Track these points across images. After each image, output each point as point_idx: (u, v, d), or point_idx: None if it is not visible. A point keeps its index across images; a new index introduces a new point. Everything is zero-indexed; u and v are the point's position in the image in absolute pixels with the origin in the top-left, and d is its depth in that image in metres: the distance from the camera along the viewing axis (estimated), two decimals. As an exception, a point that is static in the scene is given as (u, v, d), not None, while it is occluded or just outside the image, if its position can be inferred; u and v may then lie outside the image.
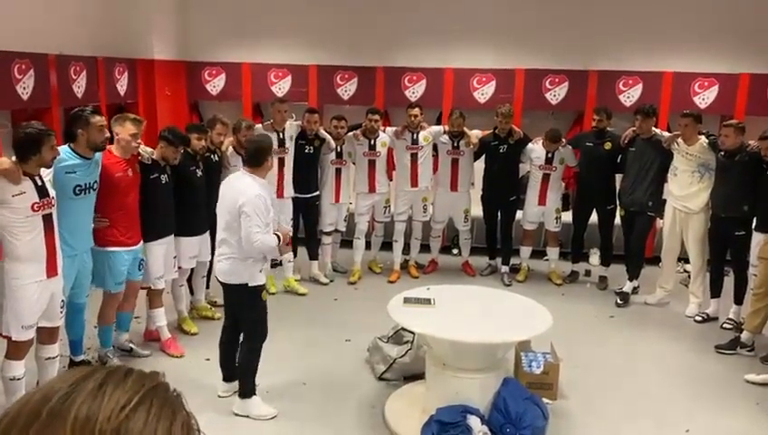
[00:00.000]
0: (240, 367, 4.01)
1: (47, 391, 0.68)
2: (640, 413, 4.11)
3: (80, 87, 5.93)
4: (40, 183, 3.51)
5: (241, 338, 4.04)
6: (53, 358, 3.84)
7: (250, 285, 3.81)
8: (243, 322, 3.97)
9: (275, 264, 6.37)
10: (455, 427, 3.56)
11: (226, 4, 7.65)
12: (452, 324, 3.74)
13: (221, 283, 3.96)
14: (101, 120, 3.94)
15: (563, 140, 6.36)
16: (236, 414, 3.96)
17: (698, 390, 4.46)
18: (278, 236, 3.83)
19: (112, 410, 0.67)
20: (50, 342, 3.79)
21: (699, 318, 5.66)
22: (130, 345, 4.74)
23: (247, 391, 3.97)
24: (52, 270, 3.60)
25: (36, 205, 3.47)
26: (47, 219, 3.55)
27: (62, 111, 5.80)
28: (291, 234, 4.06)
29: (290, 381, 4.38)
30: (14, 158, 3.47)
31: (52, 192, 3.60)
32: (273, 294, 6.06)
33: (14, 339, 3.56)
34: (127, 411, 0.67)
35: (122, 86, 6.71)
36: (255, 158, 3.82)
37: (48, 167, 3.57)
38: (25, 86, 5.23)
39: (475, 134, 6.36)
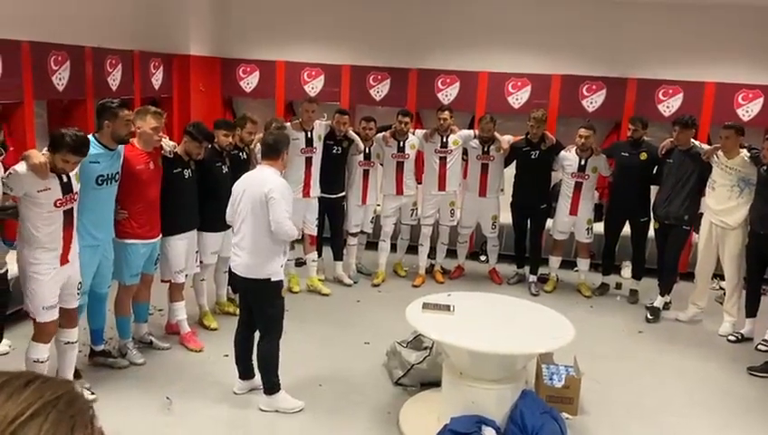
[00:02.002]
0: (261, 364, 3.99)
1: None
2: (665, 434, 3.96)
3: (115, 80, 6.02)
4: (66, 179, 3.56)
5: (257, 335, 4.02)
6: (73, 343, 3.87)
7: (273, 279, 3.82)
8: (260, 317, 3.96)
9: (300, 263, 6.37)
10: (468, 438, 3.48)
11: (263, 2, 7.69)
12: (470, 333, 3.64)
13: (241, 278, 3.93)
14: (129, 115, 3.98)
15: (598, 148, 6.21)
16: (263, 410, 3.95)
17: (727, 413, 4.28)
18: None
19: None
20: (69, 326, 3.83)
21: (733, 338, 5.46)
22: (150, 338, 4.76)
23: (272, 386, 3.97)
24: (64, 259, 3.65)
25: (59, 201, 3.53)
26: (68, 214, 3.60)
27: (96, 104, 5.89)
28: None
29: (306, 382, 4.35)
30: (45, 150, 3.53)
31: (76, 187, 3.64)
32: (297, 293, 6.07)
33: (38, 320, 3.62)
34: (15, 426, 0.61)
35: (157, 80, 6.79)
36: (275, 149, 3.90)
37: (58, 173, 3.52)
38: (61, 77, 5.33)
39: (507, 139, 6.25)
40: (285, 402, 3.99)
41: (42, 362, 3.67)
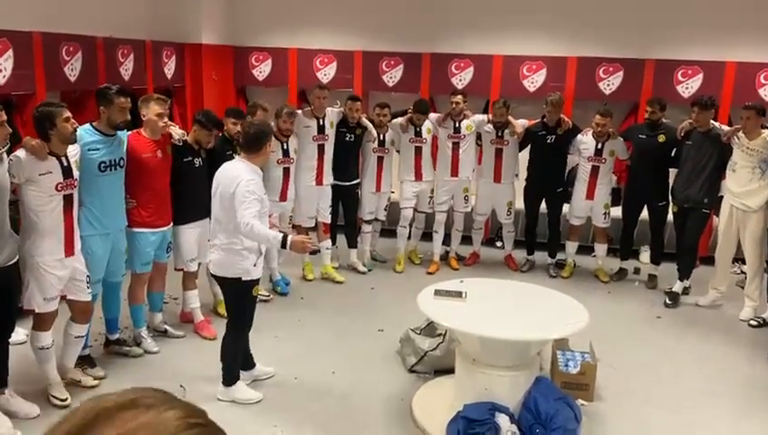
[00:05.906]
0: (222, 356, 3.91)
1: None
2: (681, 421, 3.89)
3: (127, 70, 6.02)
4: (66, 163, 3.59)
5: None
6: (81, 337, 3.90)
7: (243, 279, 3.71)
8: (229, 313, 3.93)
9: (314, 251, 6.33)
10: (482, 425, 3.44)
11: (275, -11, 7.64)
12: (481, 319, 3.60)
13: (213, 276, 3.94)
14: (124, 102, 3.93)
15: (615, 131, 6.10)
16: (220, 400, 3.90)
17: (747, 400, 4.20)
18: (285, 235, 3.65)
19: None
20: (82, 320, 3.85)
21: (754, 323, 5.35)
22: (165, 326, 4.79)
23: (230, 379, 3.92)
24: (69, 249, 3.66)
25: (60, 185, 3.55)
26: (68, 199, 3.62)
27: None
28: (311, 247, 3.77)
29: (320, 369, 4.35)
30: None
31: (76, 173, 3.67)
32: (311, 280, 6.08)
33: (38, 311, 3.65)
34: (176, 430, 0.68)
35: (170, 70, 6.79)
36: (254, 143, 3.70)
37: (69, 142, 3.58)
38: (73, 68, 5.34)
39: (521, 123, 6.16)
40: (241, 393, 3.93)
41: (47, 348, 3.72)
